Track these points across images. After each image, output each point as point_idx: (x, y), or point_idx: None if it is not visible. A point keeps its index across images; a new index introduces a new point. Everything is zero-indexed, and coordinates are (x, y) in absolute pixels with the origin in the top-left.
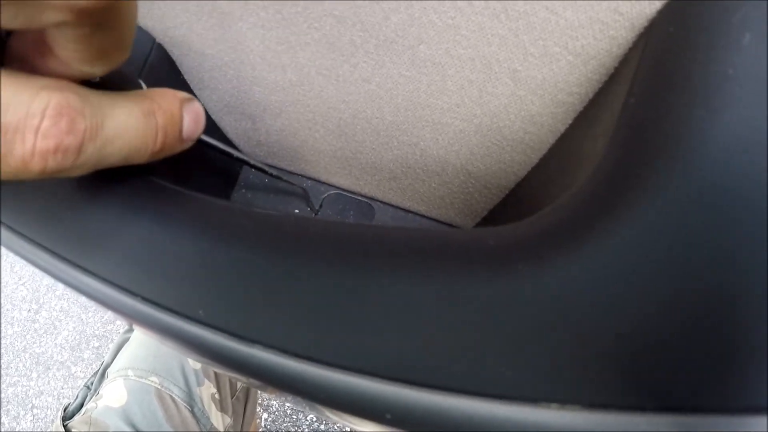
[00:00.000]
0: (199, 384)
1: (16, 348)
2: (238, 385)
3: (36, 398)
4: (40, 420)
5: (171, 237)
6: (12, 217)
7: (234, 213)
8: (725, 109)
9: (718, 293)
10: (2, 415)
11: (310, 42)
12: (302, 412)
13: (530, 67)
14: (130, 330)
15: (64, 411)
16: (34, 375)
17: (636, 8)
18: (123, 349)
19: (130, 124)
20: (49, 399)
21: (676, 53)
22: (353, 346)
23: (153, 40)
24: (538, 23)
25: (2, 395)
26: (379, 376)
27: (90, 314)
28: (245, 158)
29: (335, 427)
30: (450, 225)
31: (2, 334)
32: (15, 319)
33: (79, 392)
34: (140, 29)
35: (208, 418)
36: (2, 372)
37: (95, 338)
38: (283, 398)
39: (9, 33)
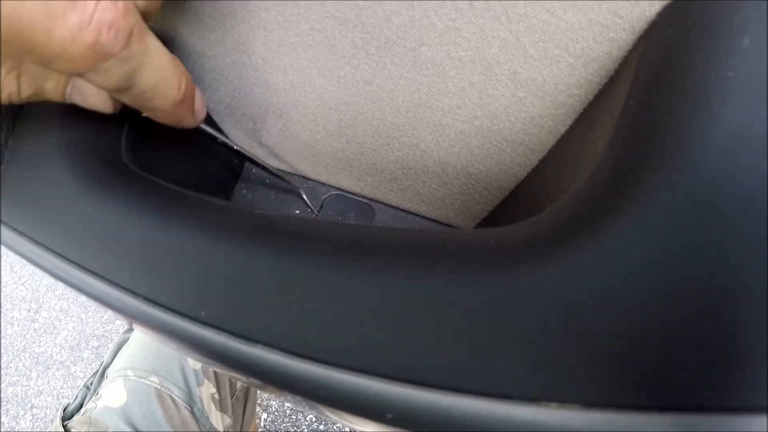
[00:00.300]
0: (199, 384)
1: (16, 348)
2: (238, 385)
3: (35, 398)
4: (39, 420)
5: (172, 237)
6: (12, 216)
7: (235, 213)
8: (724, 111)
9: (718, 292)
10: (2, 414)
11: (311, 43)
12: (302, 412)
13: (531, 69)
14: (130, 330)
15: (64, 411)
16: (34, 375)
17: (636, 10)
18: (122, 349)
19: (165, 61)
20: (49, 399)
21: (676, 55)
22: (354, 345)
23: None
24: (539, 25)
25: (2, 395)
26: (380, 375)
27: (90, 314)
28: (247, 152)
29: (335, 427)
30: (450, 226)
31: (2, 334)
32: (15, 318)
33: (78, 392)
34: None
35: (207, 418)
36: (2, 371)
37: (95, 338)
38: (283, 398)
39: None
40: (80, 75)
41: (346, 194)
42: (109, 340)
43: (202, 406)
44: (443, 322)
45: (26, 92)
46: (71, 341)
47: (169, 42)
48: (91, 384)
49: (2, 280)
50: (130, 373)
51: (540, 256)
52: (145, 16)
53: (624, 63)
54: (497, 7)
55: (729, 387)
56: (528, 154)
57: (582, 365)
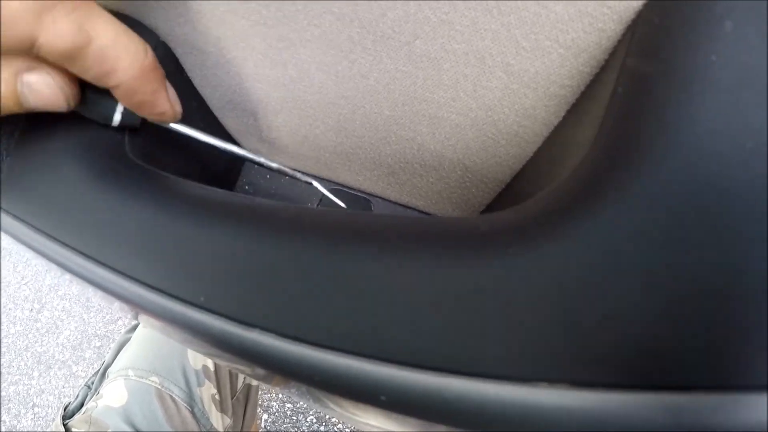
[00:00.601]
0: (200, 384)
1: (18, 347)
2: (239, 386)
3: (37, 397)
4: (40, 419)
5: (172, 224)
6: (15, 205)
7: (233, 201)
8: (709, 94)
9: (707, 270)
10: (3, 413)
11: (310, 39)
12: (302, 413)
13: (523, 60)
14: (132, 330)
15: (65, 410)
16: (36, 374)
17: (623, 1)
18: (124, 349)
19: (119, 20)
20: (50, 398)
21: (661, 42)
22: (347, 328)
23: (157, 38)
24: (530, 17)
25: (3, 393)
26: (372, 357)
27: (92, 314)
28: (248, 155)
29: (335, 428)
30: None
31: (4, 333)
32: (17, 318)
33: (79, 391)
34: (145, 28)
35: (208, 418)
36: (4, 370)
37: (96, 338)
38: (286, 390)
39: None
40: (31, 45)
41: (345, 189)
42: (110, 340)
43: (203, 406)
44: (435, 305)
45: None
46: (73, 341)
47: (172, 39)
48: (93, 383)
49: (5, 280)
50: (131, 372)
51: (529, 239)
52: None
53: (614, 53)
54: (489, 0)
55: (725, 365)
56: (522, 146)
57: (571, 345)
